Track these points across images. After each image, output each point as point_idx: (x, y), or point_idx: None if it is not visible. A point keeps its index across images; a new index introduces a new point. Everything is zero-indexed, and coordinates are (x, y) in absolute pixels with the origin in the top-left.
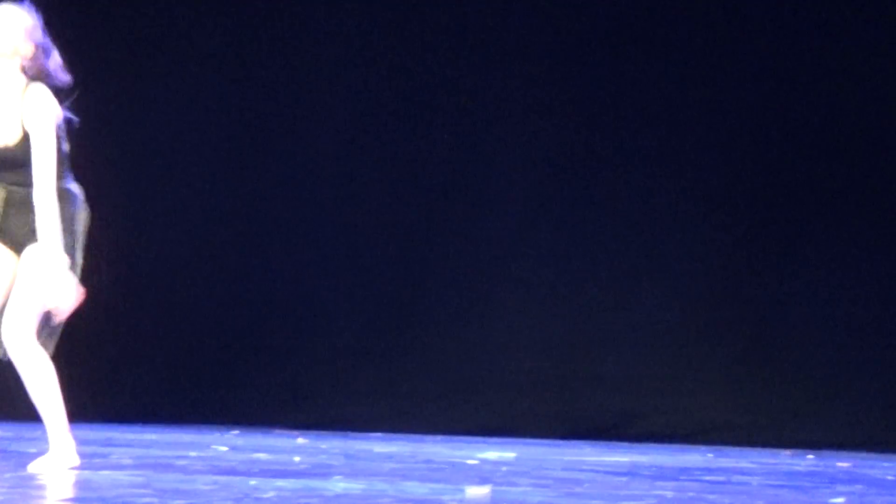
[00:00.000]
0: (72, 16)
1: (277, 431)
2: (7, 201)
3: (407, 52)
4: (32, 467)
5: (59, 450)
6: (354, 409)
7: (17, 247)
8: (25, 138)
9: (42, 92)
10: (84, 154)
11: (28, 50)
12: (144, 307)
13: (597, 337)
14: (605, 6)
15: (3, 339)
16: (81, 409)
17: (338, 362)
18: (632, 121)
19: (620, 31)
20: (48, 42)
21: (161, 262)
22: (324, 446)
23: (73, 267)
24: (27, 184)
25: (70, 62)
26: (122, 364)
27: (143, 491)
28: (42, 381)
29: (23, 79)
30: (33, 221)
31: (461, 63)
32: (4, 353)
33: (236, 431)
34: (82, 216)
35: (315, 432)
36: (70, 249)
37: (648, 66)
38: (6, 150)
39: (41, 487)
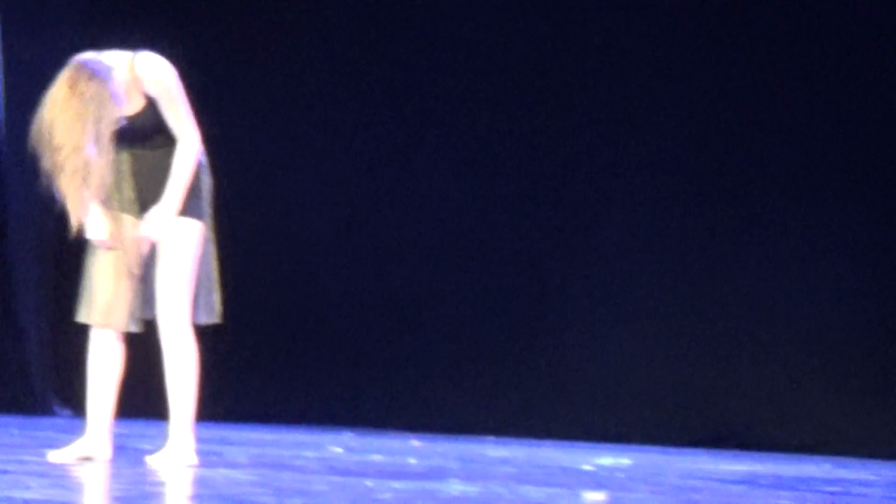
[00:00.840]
0: (195, 17)
1: (391, 434)
2: (135, 169)
3: (537, 56)
4: (151, 461)
5: (180, 446)
6: (470, 413)
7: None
8: (148, 106)
9: (151, 57)
10: (208, 154)
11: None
12: (262, 307)
13: (716, 344)
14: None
15: (162, 321)
16: (198, 407)
17: (454, 365)
18: (773, 131)
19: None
20: None
21: (280, 262)
22: (439, 449)
23: (208, 232)
24: (156, 148)
25: (188, 64)
26: (238, 363)
27: (260, 490)
28: (186, 373)
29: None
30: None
31: (598, 69)
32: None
33: (351, 433)
34: (209, 183)
35: (429, 435)
36: (203, 214)
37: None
38: (128, 123)
39: (159, 484)
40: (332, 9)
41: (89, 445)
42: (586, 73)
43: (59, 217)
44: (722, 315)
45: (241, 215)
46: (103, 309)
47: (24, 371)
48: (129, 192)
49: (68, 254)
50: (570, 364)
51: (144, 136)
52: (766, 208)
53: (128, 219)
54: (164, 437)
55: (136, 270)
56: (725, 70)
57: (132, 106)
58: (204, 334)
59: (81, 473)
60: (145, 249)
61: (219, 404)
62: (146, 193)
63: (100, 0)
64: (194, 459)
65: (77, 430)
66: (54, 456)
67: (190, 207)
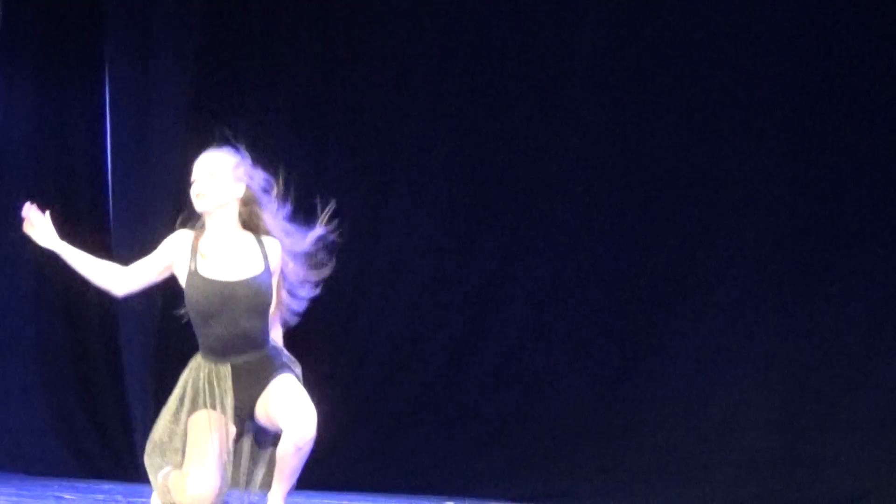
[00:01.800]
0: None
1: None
2: (235, 376)
3: (646, 106)
4: None
5: None
6: (573, 484)
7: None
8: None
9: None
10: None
11: (238, 192)
12: (361, 373)
13: (825, 417)
14: None
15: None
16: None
17: (557, 437)
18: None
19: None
20: (260, 176)
21: (378, 329)
22: None
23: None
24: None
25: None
26: (334, 432)
27: None
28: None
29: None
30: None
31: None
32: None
33: (451, 503)
34: None
35: None
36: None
37: None
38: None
39: None
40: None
41: None
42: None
43: (162, 296)
44: (830, 386)
45: (343, 288)
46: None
47: (129, 441)
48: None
49: (173, 329)
50: (676, 437)
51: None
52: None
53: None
54: None
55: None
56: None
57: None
58: None
59: None
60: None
61: (316, 473)
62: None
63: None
64: None
65: None
66: None
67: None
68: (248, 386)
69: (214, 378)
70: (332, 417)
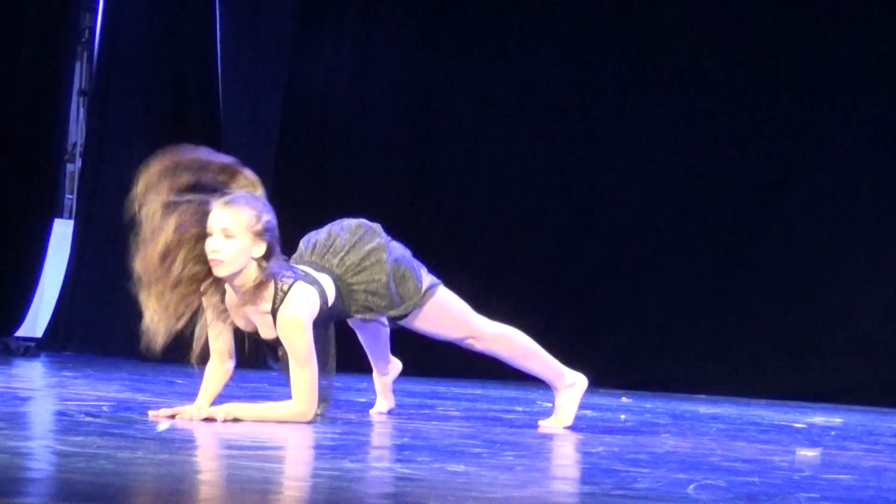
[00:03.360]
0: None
1: (601, 391)
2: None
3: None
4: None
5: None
6: (680, 371)
7: None
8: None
9: (291, 313)
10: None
11: (259, 251)
12: (466, 267)
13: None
14: None
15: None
16: (409, 365)
17: (665, 324)
18: None
19: None
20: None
21: (487, 225)
22: (648, 405)
23: None
24: None
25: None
26: None
27: (472, 441)
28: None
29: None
30: None
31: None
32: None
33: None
34: None
35: (638, 392)
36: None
37: None
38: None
39: (370, 434)
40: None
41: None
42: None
43: (271, 188)
44: (814, 279)
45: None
46: None
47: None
48: None
49: (281, 219)
50: (782, 324)
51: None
52: None
53: None
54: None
55: None
56: None
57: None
58: None
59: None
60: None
61: (426, 361)
62: None
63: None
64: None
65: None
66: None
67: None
68: None
69: None
70: None
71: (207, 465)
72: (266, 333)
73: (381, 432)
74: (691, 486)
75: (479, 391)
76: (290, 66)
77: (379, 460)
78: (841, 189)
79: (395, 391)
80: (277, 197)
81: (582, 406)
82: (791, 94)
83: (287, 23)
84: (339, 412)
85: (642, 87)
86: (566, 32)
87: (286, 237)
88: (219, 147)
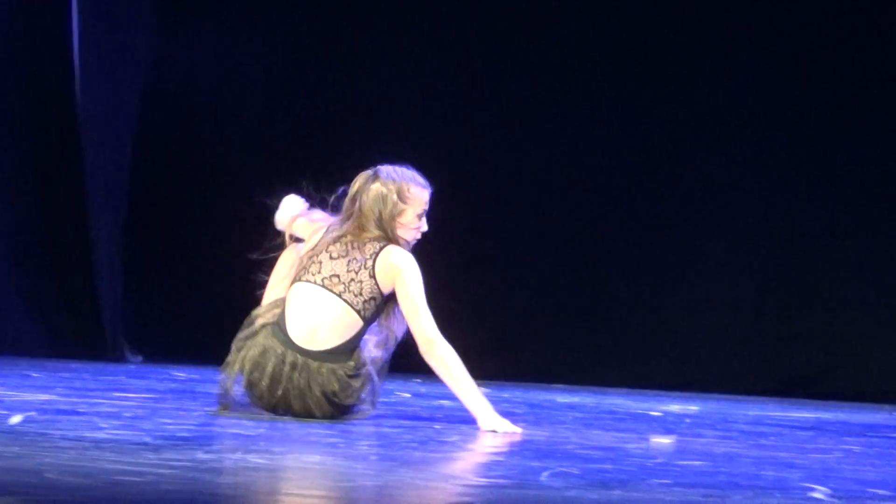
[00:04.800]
0: None
1: None
2: None
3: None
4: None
5: None
6: (538, 362)
7: None
8: None
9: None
10: None
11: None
12: None
13: (786, 294)
14: None
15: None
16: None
17: (523, 315)
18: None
19: None
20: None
21: None
22: (506, 395)
23: None
24: None
25: None
26: None
27: (328, 432)
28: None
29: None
30: None
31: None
32: None
33: (419, 380)
34: None
35: (497, 382)
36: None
37: None
38: None
39: (226, 426)
40: None
41: None
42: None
43: (132, 174)
44: (791, 265)
45: None
46: None
47: (98, 321)
48: None
49: (142, 207)
50: (640, 314)
51: None
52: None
53: None
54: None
55: None
56: None
57: None
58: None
59: (144, 413)
60: None
61: None
62: None
63: None
64: None
65: (147, 376)
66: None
67: None
68: None
69: None
70: None
71: (57, 457)
72: None
73: (237, 424)
74: (545, 474)
75: None
76: (151, 55)
77: (233, 451)
78: (697, 183)
79: None
80: (138, 192)
81: (440, 396)
82: (648, 90)
83: (148, 12)
84: (195, 404)
85: (502, 79)
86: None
87: (149, 233)
88: (77, 143)
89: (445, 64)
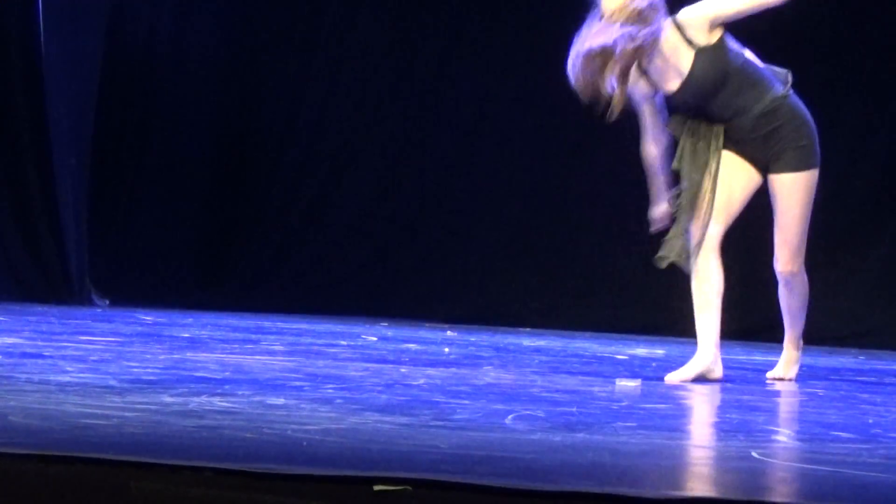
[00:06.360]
0: None
1: (427, 325)
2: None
3: None
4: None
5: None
6: (504, 305)
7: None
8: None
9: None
10: None
11: None
12: (297, 200)
13: (750, 239)
14: None
15: (783, 266)
16: (233, 300)
17: (490, 258)
18: None
19: None
20: None
21: (315, 159)
22: (473, 339)
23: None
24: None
25: None
26: (275, 255)
27: (294, 375)
28: (804, 301)
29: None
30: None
31: None
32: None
33: (386, 324)
34: None
35: (464, 326)
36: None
37: None
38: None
39: (190, 369)
40: None
41: (704, 364)
42: None
43: (97, 117)
44: (754, 213)
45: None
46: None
47: (64, 264)
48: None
49: (106, 151)
50: (605, 258)
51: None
52: None
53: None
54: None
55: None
56: None
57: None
58: (243, 229)
59: (110, 357)
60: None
61: (256, 296)
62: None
63: None
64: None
65: (113, 319)
66: (671, 377)
67: (808, 154)
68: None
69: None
70: (269, 243)
71: (21, 400)
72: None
73: (202, 367)
74: (509, 417)
75: (304, 325)
76: (111, 16)
77: (198, 395)
78: None
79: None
80: (102, 136)
81: (406, 339)
82: None
83: None
84: (162, 348)
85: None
86: None
87: (113, 176)
88: (40, 88)
89: (395, 29)
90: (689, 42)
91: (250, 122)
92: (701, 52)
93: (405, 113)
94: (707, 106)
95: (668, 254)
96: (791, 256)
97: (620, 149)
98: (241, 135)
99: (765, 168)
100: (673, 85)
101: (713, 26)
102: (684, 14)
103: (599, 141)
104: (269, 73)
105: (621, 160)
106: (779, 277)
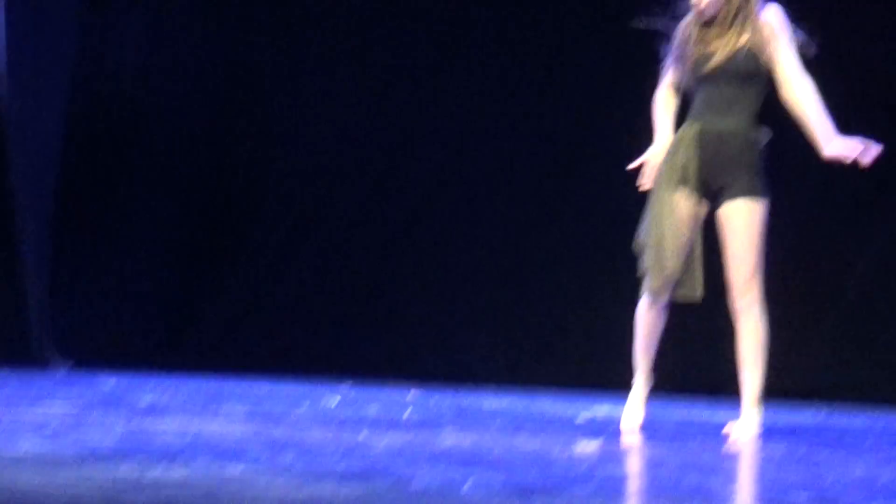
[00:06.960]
0: None
1: (391, 384)
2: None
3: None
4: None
5: (750, 418)
6: (468, 362)
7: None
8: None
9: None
10: None
11: None
12: (262, 256)
13: (712, 294)
14: None
15: (740, 294)
16: (197, 357)
17: (452, 315)
18: None
19: None
20: None
21: (280, 214)
22: (434, 400)
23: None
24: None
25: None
26: (240, 314)
27: (254, 442)
28: (764, 342)
29: None
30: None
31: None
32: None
33: (350, 382)
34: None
35: (428, 383)
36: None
37: None
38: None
39: (152, 439)
40: None
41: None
42: None
43: (60, 167)
44: (716, 266)
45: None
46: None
47: (23, 324)
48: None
49: (70, 206)
50: (567, 313)
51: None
52: None
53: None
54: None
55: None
56: None
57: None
58: (203, 285)
59: (68, 425)
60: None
61: (218, 356)
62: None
63: None
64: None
65: (74, 383)
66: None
67: (762, 185)
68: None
69: (680, 143)
70: (234, 301)
71: None
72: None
73: (161, 435)
74: (466, 484)
75: (266, 387)
76: (77, 49)
77: (155, 465)
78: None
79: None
80: (65, 189)
81: (368, 400)
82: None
83: (74, 3)
84: (121, 413)
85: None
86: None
87: (77, 232)
88: (1, 139)
89: (369, 41)
90: (751, 31)
91: (215, 185)
92: (747, 49)
93: (370, 174)
94: (720, 100)
95: (684, 290)
96: (747, 278)
97: (583, 210)
98: (206, 195)
99: (713, 197)
100: (714, 60)
101: (769, 50)
102: (772, 14)
103: (563, 200)
104: (240, 117)
105: (583, 220)
106: (737, 312)
